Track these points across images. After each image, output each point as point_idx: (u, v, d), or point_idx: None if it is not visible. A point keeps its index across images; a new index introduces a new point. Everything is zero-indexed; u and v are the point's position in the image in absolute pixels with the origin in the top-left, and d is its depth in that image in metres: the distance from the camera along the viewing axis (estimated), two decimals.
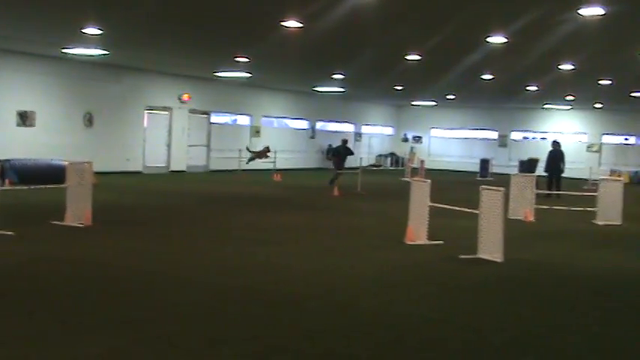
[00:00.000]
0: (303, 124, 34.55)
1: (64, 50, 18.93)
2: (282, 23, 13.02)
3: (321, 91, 30.57)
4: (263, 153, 26.79)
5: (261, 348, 5.45)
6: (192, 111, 27.51)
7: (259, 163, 28.81)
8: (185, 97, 26.72)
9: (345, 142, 23.96)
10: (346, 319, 6.42)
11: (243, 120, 31.02)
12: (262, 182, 23.39)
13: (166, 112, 26.40)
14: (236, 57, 19.41)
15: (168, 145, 26.57)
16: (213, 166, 28.53)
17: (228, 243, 10.47)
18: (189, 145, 27.50)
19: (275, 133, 32.59)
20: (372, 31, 14.31)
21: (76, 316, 6.15)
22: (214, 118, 29.19)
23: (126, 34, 16.32)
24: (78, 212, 11.37)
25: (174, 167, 26.64)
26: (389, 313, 6.72)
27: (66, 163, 12.60)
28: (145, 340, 5.52)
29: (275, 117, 32.85)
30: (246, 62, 20.45)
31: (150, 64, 22.97)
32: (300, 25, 13.12)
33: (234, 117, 30.82)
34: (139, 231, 11.46)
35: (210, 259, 9.14)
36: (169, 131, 26.56)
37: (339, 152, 23.29)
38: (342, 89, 28.96)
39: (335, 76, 23.96)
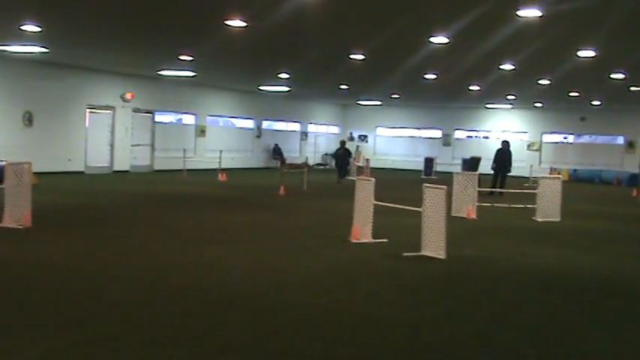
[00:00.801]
0: (249, 124, 34.41)
1: (0, 47, 18.40)
2: (226, 22, 12.96)
3: (267, 91, 30.49)
4: (300, 166, 26.60)
5: (208, 348, 5.41)
6: (136, 110, 27.09)
7: (203, 162, 28.64)
8: (128, 95, 26.30)
9: (343, 143, 24.15)
10: (294, 318, 6.43)
11: (188, 119, 30.72)
12: (207, 182, 23.22)
13: (109, 111, 25.92)
14: (180, 56, 19.20)
15: (111, 145, 26.10)
16: (158, 166, 28.17)
17: (173, 243, 10.35)
18: (133, 145, 27.07)
19: (220, 132, 32.37)
20: (317, 31, 14.36)
21: (12, 319, 5.99)
22: (158, 117, 28.81)
23: (66, 32, 15.95)
24: (17, 213, 11.11)
25: (117, 167, 26.18)
26: (336, 311, 6.76)
27: (4, 163, 12.29)
28: (86, 342, 5.41)
29: (220, 116, 32.62)
30: (191, 61, 20.25)
31: (92, 62, 22.51)
32: (245, 24, 13.07)
33: (178, 116, 30.49)
34: (81, 232, 11.24)
35: (155, 259, 9.03)
36: (112, 131, 26.09)
37: (339, 154, 23.68)
38: (287, 88, 28.95)
39: (280, 75, 23.94)
